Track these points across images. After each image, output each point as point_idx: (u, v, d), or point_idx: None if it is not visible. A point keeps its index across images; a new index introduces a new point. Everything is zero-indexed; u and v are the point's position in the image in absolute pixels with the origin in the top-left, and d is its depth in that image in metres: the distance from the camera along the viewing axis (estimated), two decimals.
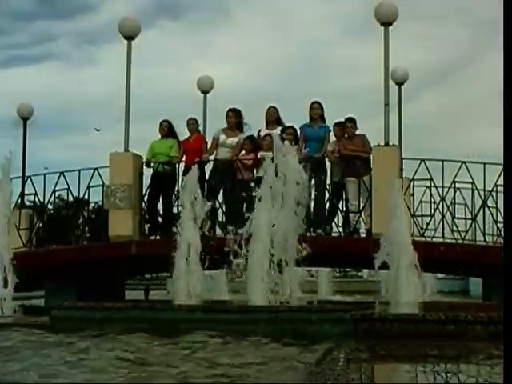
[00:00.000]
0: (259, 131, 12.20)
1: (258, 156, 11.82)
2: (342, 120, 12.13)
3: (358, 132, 12.04)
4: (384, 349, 6.43)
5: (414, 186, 12.33)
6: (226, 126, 12.42)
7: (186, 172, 12.25)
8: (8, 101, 35.80)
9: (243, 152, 12.19)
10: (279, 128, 12.05)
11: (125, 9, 63.08)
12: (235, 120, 12.25)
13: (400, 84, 14.18)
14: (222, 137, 12.25)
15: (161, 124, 12.60)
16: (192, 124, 12.60)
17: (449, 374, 5.43)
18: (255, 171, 11.87)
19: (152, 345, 6.63)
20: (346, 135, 11.99)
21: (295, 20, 69.96)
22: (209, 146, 12.45)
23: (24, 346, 6.63)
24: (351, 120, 12.02)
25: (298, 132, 12.03)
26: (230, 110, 12.41)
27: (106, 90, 59.54)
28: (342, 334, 7.08)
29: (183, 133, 12.68)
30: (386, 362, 6.04)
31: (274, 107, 12.23)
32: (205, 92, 14.39)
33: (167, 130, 12.52)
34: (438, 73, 66.08)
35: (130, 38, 12.70)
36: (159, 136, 12.66)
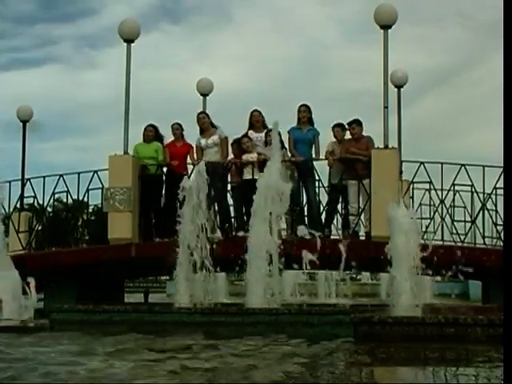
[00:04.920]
0: (246, 134, 12.19)
1: (243, 158, 11.87)
2: (341, 122, 12.13)
3: (364, 134, 12.01)
4: (383, 352, 6.43)
5: (413, 188, 12.34)
6: (199, 132, 12.46)
7: (170, 176, 12.26)
8: (10, 104, 35.89)
9: (231, 156, 12.25)
10: (265, 131, 12.13)
11: (126, 13, 63.24)
12: (208, 120, 12.32)
13: (399, 87, 14.18)
14: (203, 141, 12.27)
15: (146, 129, 12.59)
16: (177, 129, 12.56)
17: (448, 377, 5.43)
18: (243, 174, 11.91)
19: None
20: (353, 136, 11.96)
21: (295, 23, 70.16)
22: (195, 155, 12.43)
23: None
24: (355, 122, 11.98)
25: (286, 136, 12.02)
26: (201, 112, 12.64)
27: (106, 93, 59.68)
28: (341, 337, 7.07)
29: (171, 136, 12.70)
30: (385, 365, 6.03)
31: (259, 110, 12.25)
32: (204, 94, 14.39)
33: (152, 134, 12.54)
34: (437, 76, 66.15)
35: (129, 40, 12.69)
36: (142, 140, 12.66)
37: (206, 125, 12.30)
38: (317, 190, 12.05)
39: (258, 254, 9.16)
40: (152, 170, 12.38)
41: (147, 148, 12.47)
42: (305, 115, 12.01)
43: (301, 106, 12.13)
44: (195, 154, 12.38)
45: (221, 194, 11.99)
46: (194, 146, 12.47)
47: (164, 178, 12.50)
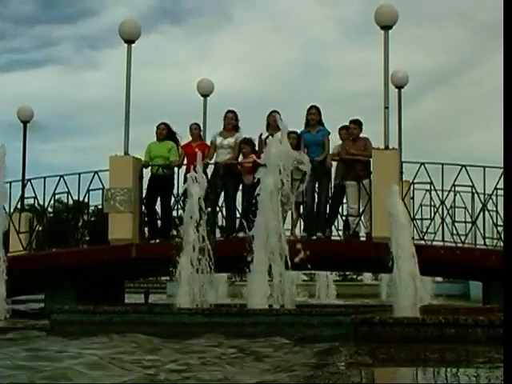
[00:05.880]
0: (261, 135, 12.19)
1: (261, 156, 11.83)
2: (346, 124, 12.09)
3: (362, 135, 11.99)
4: (384, 352, 6.43)
5: (413, 189, 12.33)
6: (221, 129, 12.45)
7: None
8: (10, 104, 35.87)
9: (241, 157, 12.22)
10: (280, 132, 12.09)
11: (126, 14, 62.92)
12: (234, 122, 12.28)
13: (400, 87, 14.17)
14: (219, 139, 12.26)
15: (158, 127, 12.54)
16: (195, 129, 12.54)
17: (449, 378, 5.43)
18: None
19: None
20: (350, 137, 11.93)
21: (295, 23, 69.94)
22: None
23: None
24: (356, 122, 11.96)
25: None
26: (230, 111, 12.41)
27: (106, 93, 59.64)
28: (342, 338, 7.07)
29: (184, 136, 12.68)
30: (386, 366, 6.03)
31: (277, 111, 12.22)
32: (205, 95, 14.39)
33: (165, 132, 12.49)
34: (437, 76, 66.07)
35: (129, 41, 12.70)
36: (155, 138, 12.63)
37: (230, 126, 12.24)
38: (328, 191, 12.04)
39: (261, 254, 9.14)
40: (155, 170, 12.35)
41: (160, 147, 12.40)
42: (314, 118, 11.90)
43: (310, 108, 11.97)
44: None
45: (232, 195, 11.99)
46: (210, 141, 12.48)
47: (179, 177, 12.46)
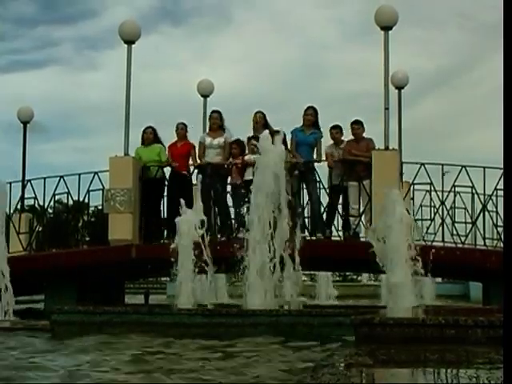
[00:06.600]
0: (255, 136, 12.19)
1: (245, 159, 11.85)
2: (339, 124, 12.13)
3: (366, 135, 11.99)
4: (384, 353, 6.42)
5: (413, 190, 12.34)
6: (208, 130, 12.51)
7: (173, 177, 12.29)
8: (10, 105, 35.93)
9: (231, 158, 12.24)
10: (266, 131, 12.07)
11: (126, 14, 63.16)
12: (219, 122, 12.29)
13: (400, 88, 14.18)
14: (208, 139, 12.27)
15: (145, 131, 12.55)
16: (182, 129, 12.53)
17: (449, 378, 5.43)
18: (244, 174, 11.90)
19: None
20: (355, 137, 11.93)
21: (295, 24, 70.11)
22: (197, 151, 12.43)
23: None
24: (357, 122, 11.97)
25: (289, 137, 11.98)
26: (215, 111, 12.49)
27: (106, 94, 59.72)
28: (342, 339, 7.07)
29: (171, 137, 12.70)
30: (386, 367, 6.03)
31: (262, 112, 12.21)
32: (205, 96, 14.40)
33: (152, 136, 12.50)
34: (437, 77, 66.15)
35: (130, 42, 12.71)
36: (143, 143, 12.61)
37: (215, 126, 12.28)
38: (318, 191, 12.05)
39: (257, 254, 9.13)
40: (154, 172, 12.36)
41: (149, 151, 12.43)
42: (310, 118, 11.90)
43: (307, 108, 11.99)
44: (197, 151, 12.36)
45: (221, 196, 12.00)
46: (198, 142, 12.48)
47: (167, 179, 12.49)
